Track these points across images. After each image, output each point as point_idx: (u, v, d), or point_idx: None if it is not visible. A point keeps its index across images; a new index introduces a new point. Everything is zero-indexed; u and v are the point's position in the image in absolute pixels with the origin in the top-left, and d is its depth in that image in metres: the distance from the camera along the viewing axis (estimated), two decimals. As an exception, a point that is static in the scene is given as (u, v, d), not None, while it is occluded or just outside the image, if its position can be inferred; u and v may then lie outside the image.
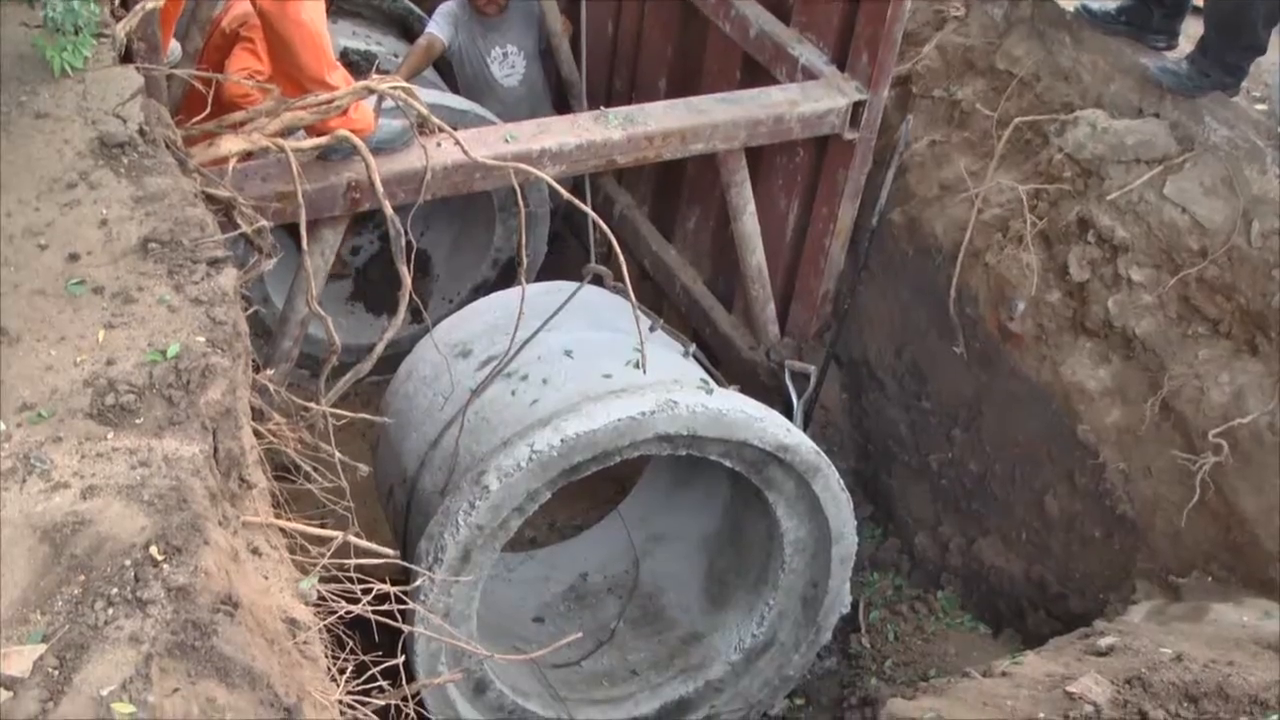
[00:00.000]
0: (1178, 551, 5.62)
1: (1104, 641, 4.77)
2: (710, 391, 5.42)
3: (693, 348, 6.13)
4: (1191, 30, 5.85)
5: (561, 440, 5.03)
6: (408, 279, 4.85)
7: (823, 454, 5.66)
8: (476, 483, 5.07)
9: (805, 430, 6.74)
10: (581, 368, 5.55)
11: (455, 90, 7.89)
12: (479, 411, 5.49)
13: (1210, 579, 5.45)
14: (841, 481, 5.75)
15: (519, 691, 5.95)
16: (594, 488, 5.57)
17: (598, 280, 5.92)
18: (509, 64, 7.91)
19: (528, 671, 6.20)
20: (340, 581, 3.32)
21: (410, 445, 5.84)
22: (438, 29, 7.67)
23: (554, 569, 6.97)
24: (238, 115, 4.60)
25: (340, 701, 2.90)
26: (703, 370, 6.01)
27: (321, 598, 3.19)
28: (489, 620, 6.07)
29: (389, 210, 4.69)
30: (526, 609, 6.76)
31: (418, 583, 4.75)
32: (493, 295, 6.34)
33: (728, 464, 5.55)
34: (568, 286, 5.81)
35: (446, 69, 8.11)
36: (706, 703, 6.39)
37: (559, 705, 6.12)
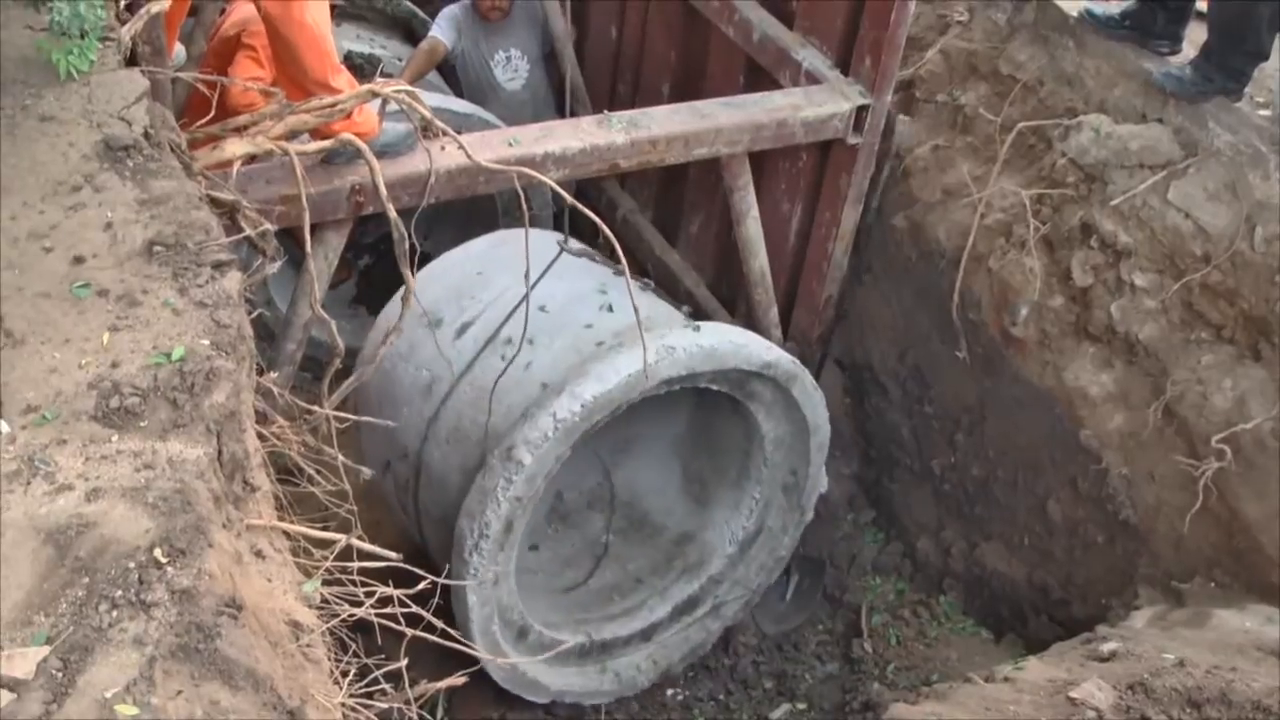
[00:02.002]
0: (1180, 557, 5.62)
1: (1106, 647, 4.77)
2: (697, 329, 5.71)
3: (651, 283, 6.51)
4: (1195, 36, 5.85)
5: (582, 406, 5.34)
6: (411, 282, 4.86)
7: (798, 363, 6.06)
8: (509, 458, 5.33)
9: None
10: (560, 321, 5.80)
11: (459, 94, 7.89)
12: (473, 381, 5.74)
13: (1213, 585, 5.45)
14: (814, 382, 6.17)
15: (551, 626, 6.32)
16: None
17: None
18: (512, 68, 7.92)
19: (551, 604, 6.63)
20: (343, 584, 3.32)
21: (404, 420, 5.96)
22: (440, 32, 7.68)
23: None
24: (242, 118, 4.60)
25: (343, 704, 2.91)
26: (665, 303, 6.45)
27: (325, 600, 3.19)
28: None
29: (393, 214, 4.69)
30: None
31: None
32: (444, 257, 6.41)
33: (715, 387, 5.86)
34: (514, 236, 5.73)
35: (450, 72, 8.11)
36: (710, 595, 6.79)
37: (585, 628, 6.56)
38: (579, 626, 6.55)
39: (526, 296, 5.09)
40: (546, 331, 5.71)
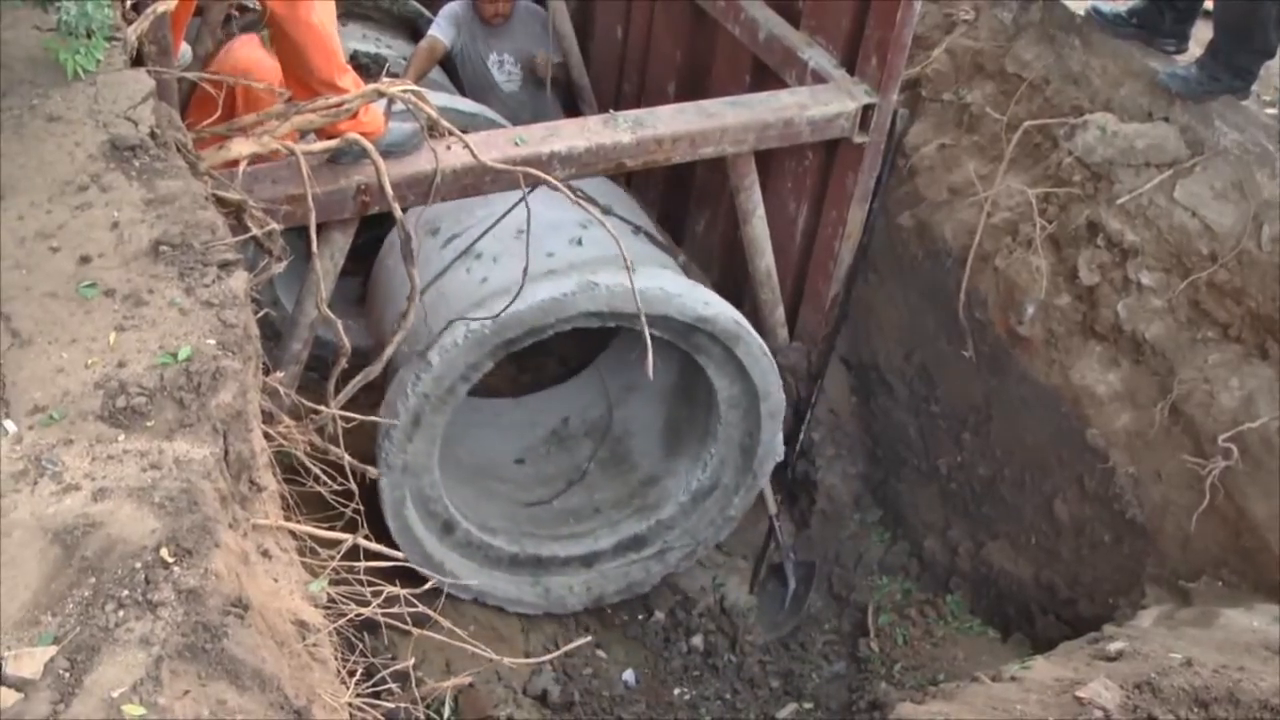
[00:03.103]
0: (1188, 556, 5.61)
1: (1114, 646, 4.76)
2: (633, 271, 5.80)
3: (643, 228, 6.71)
4: (1202, 34, 5.83)
5: (493, 320, 5.63)
6: (416, 281, 4.87)
7: (743, 323, 6.18)
8: (422, 357, 5.74)
9: (805, 432, 7.14)
10: (529, 246, 5.87)
11: (460, 88, 7.89)
12: (440, 289, 6.02)
13: (1220, 584, 5.44)
14: (764, 346, 6.30)
15: (486, 529, 6.73)
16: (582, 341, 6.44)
17: None
18: (505, 70, 7.92)
19: (507, 512, 7.01)
20: (350, 584, 3.32)
21: (388, 315, 6.35)
22: (439, 30, 7.69)
23: (540, 413, 7.65)
24: (248, 118, 4.61)
25: (350, 704, 2.91)
26: (654, 246, 6.66)
27: (331, 600, 3.19)
28: (470, 464, 7.18)
29: (399, 213, 4.70)
30: (510, 451, 7.47)
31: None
32: None
33: (655, 333, 5.90)
34: None
35: (452, 68, 8.11)
36: (659, 539, 7.08)
37: (525, 540, 6.90)
38: (518, 538, 6.85)
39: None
40: (511, 253, 5.87)
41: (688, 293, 6.00)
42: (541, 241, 5.93)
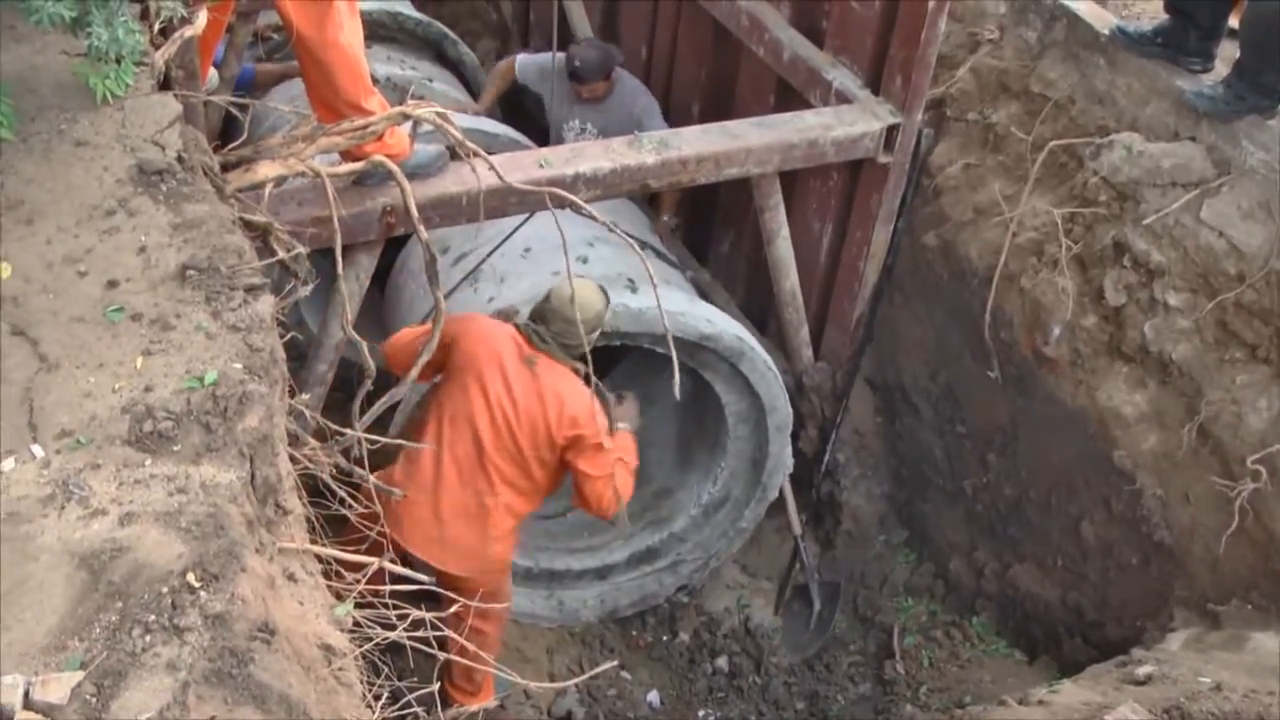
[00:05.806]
0: (1216, 579, 5.57)
1: (1142, 670, 4.73)
2: (635, 290, 5.91)
3: (651, 244, 6.73)
4: (1227, 53, 5.81)
5: None
6: (441, 302, 4.87)
7: (746, 339, 6.21)
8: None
9: (830, 453, 7.13)
10: (535, 265, 6.08)
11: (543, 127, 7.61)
12: (448, 308, 6.02)
13: (1250, 607, 5.39)
14: (769, 361, 6.33)
15: None
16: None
17: None
18: (583, 141, 7.55)
19: (519, 526, 6.96)
20: (375, 607, 3.32)
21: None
22: (521, 62, 7.43)
23: None
24: (274, 140, 4.62)
25: (375, 729, 2.91)
26: (661, 262, 6.69)
27: (356, 623, 3.19)
28: None
29: (424, 235, 4.71)
30: None
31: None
32: None
33: (661, 350, 5.97)
34: None
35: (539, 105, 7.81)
36: (672, 551, 7.15)
37: (539, 555, 6.98)
38: (533, 553, 6.90)
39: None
40: (519, 273, 6.04)
41: (690, 311, 6.04)
42: (547, 260, 6.03)
